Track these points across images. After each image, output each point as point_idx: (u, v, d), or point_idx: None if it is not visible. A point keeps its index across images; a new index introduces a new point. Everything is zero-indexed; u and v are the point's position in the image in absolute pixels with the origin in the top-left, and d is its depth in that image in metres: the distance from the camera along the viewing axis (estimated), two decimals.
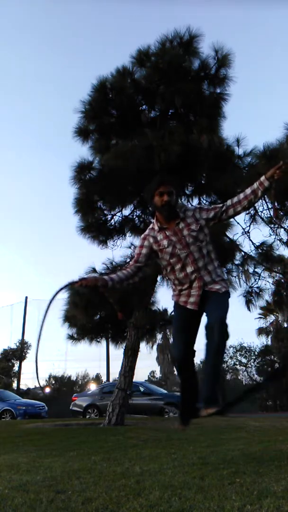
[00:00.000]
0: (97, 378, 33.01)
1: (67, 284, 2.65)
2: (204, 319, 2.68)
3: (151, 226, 2.77)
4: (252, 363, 25.55)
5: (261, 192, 2.62)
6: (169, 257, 2.63)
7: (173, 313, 2.88)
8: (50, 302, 2.61)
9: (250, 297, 8.16)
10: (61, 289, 2.62)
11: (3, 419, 14.06)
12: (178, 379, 2.87)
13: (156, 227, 2.70)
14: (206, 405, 2.44)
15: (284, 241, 7.83)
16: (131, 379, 7.77)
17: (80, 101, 7.64)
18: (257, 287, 8.19)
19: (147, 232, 2.75)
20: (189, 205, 3.11)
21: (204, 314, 2.63)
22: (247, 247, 7.98)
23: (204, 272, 2.61)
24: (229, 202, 2.69)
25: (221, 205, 2.74)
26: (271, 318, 23.33)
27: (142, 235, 2.77)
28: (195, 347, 2.76)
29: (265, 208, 7.59)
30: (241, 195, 2.67)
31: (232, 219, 7.77)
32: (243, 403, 20.56)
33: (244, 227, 7.73)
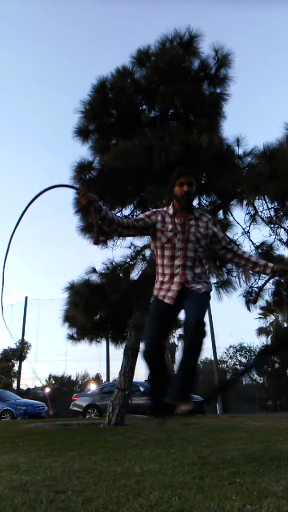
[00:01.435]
0: (97, 378, 32.98)
1: (66, 185, 2.64)
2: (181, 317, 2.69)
3: (165, 208, 2.81)
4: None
5: (259, 271, 2.78)
6: (166, 241, 2.67)
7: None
8: (41, 192, 2.59)
9: (250, 297, 8.15)
10: (59, 186, 2.63)
11: (3, 419, 14.07)
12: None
13: (170, 211, 2.75)
14: (175, 401, 2.40)
15: (284, 241, 7.83)
16: (131, 379, 7.77)
17: (80, 101, 7.65)
18: (257, 287, 8.19)
19: (160, 209, 2.81)
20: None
21: (183, 312, 2.63)
22: (247, 247, 7.98)
23: (189, 271, 2.65)
24: (235, 248, 2.84)
25: (230, 242, 2.89)
26: (271, 318, 23.32)
27: (154, 210, 2.82)
28: (166, 342, 2.74)
29: (265, 208, 7.60)
30: (246, 255, 2.83)
31: (232, 219, 7.78)
32: (243, 403, 20.58)
33: (244, 227, 7.73)
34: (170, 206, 2.78)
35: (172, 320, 2.77)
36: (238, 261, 2.82)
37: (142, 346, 2.74)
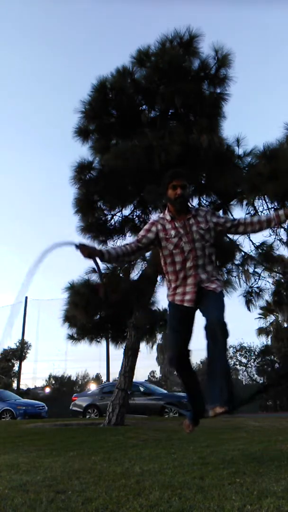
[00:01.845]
0: (97, 378, 33.00)
1: (65, 243, 2.65)
2: (199, 317, 2.71)
3: (161, 214, 2.82)
4: (252, 363, 25.56)
5: (274, 224, 2.72)
6: (173, 247, 2.67)
7: (168, 312, 2.88)
8: (43, 255, 2.60)
9: (250, 297, 8.16)
10: (59, 245, 2.63)
11: (3, 419, 14.07)
12: (179, 379, 2.88)
13: (168, 217, 2.75)
14: (221, 404, 2.38)
15: (284, 241, 7.83)
16: (131, 379, 7.77)
17: (80, 101, 7.66)
18: (257, 287, 8.20)
19: (156, 218, 2.82)
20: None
21: (201, 314, 2.64)
22: (247, 247, 8.01)
23: (201, 271, 2.66)
24: (242, 220, 2.81)
25: (233, 218, 2.87)
26: (271, 318, 23.32)
27: (152, 220, 2.83)
28: (190, 346, 2.78)
29: (265, 208, 7.59)
30: (255, 219, 2.80)
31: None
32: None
33: None
34: (166, 212, 2.78)
35: (192, 322, 2.77)
36: (253, 228, 2.78)
37: (169, 355, 2.75)
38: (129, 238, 8.24)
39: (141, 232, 2.80)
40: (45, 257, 2.62)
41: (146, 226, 2.80)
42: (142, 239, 2.75)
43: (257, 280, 8.17)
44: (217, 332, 2.46)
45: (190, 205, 2.80)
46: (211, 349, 2.50)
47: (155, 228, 2.74)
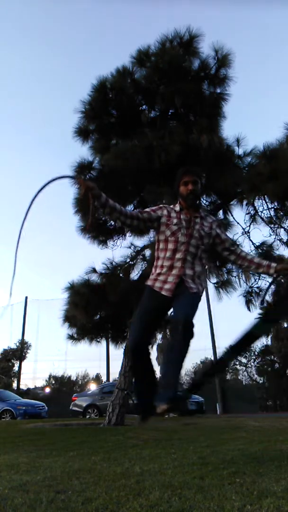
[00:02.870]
0: (97, 378, 32.98)
1: (65, 176, 2.64)
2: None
3: (172, 205, 2.85)
4: (252, 363, 25.56)
5: (262, 271, 2.75)
6: (170, 234, 2.70)
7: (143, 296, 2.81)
8: (41, 189, 2.57)
9: (250, 297, 8.15)
10: (57, 178, 2.61)
11: (3, 419, 14.06)
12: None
13: (177, 208, 2.78)
14: (160, 401, 2.39)
15: (284, 241, 7.82)
16: (131, 379, 7.76)
17: (80, 101, 7.67)
18: (257, 287, 8.19)
19: (166, 205, 2.85)
20: None
21: (173, 308, 2.62)
22: (247, 247, 7.98)
23: (188, 265, 2.66)
24: (239, 250, 2.85)
25: (233, 244, 2.91)
26: None
27: (161, 205, 2.86)
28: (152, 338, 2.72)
29: (265, 208, 7.59)
30: (249, 257, 2.82)
31: (232, 219, 7.78)
32: (243, 403, 20.57)
33: (244, 227, 7.73)
34: (177, 204, 2.81)
35: (164, 313, 2.76)
36: (242, 263, 2.81)
37: (129, 339, 2.72)
38: (129, 238, 8.24)
39: (147, 209, 2.82)
40: (43, 190, 2.58)
41: (154, 207, 2.82)
42: (144, 213, 2.77)
43: (257, 280, 8.16)
44: (179, 329, 2.42)
45: (201, 205, 2.82)
46: (169, 343, 2.49)
47: (161, 212, 2.77)
